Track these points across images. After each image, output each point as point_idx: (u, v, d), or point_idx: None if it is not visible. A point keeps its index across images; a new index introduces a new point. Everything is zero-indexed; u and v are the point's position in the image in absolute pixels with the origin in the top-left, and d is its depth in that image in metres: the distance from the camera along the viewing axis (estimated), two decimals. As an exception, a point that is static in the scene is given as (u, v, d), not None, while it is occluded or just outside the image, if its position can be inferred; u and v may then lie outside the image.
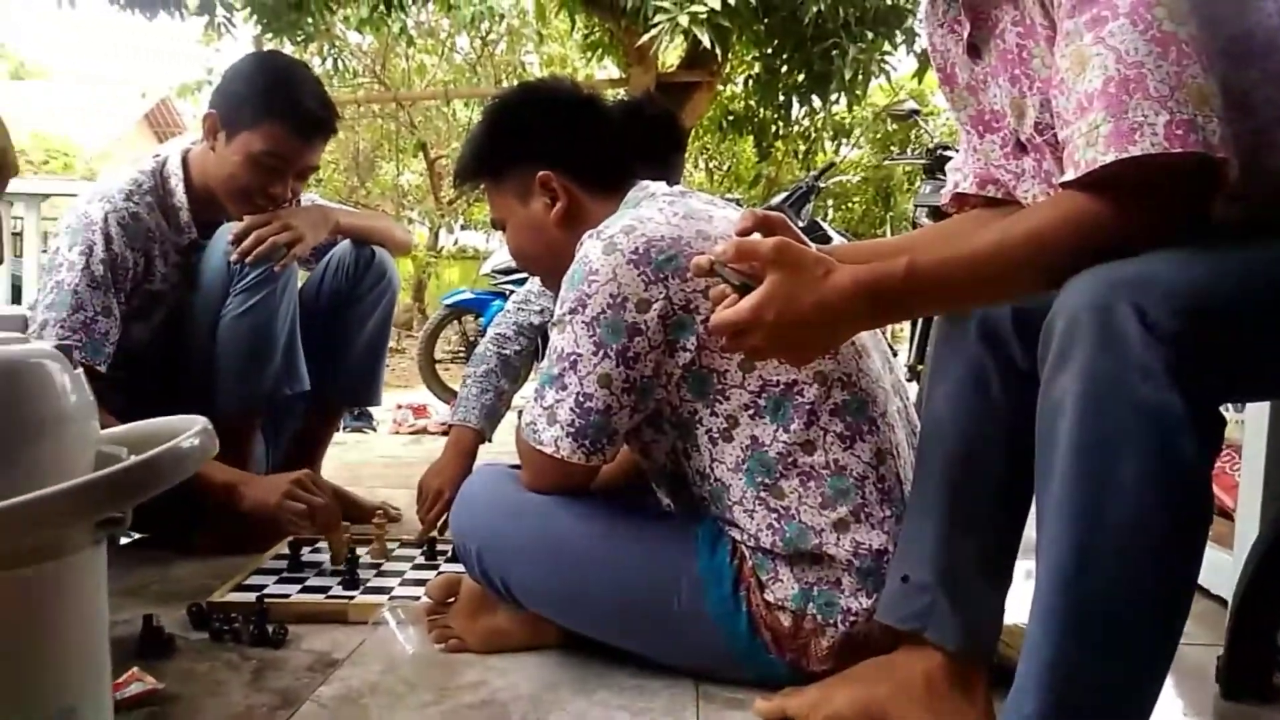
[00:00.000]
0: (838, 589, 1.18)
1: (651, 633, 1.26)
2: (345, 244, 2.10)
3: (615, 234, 1.20)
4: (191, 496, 1.80)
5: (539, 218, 1.37)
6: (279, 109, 1.80)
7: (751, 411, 1.19)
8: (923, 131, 4.34)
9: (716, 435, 1.21)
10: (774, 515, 1.18)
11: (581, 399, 1.19)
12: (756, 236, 0.98)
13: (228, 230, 1.85)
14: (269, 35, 6.03)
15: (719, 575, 1.21)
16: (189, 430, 0.72)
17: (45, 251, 1.81)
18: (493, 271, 5.02)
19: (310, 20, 5.98)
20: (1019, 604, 0.97)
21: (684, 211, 1.27)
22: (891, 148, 10.28)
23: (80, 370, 0.72)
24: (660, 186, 1.37)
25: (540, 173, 1.35)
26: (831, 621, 1.17)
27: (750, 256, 0.92)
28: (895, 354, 4.03)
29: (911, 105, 4.49)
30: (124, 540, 1.86)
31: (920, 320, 3.31)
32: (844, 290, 0.90)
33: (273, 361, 1.89)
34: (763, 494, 1.19)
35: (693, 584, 1.21)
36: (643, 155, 1.99)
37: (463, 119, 10.19)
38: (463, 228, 12.72)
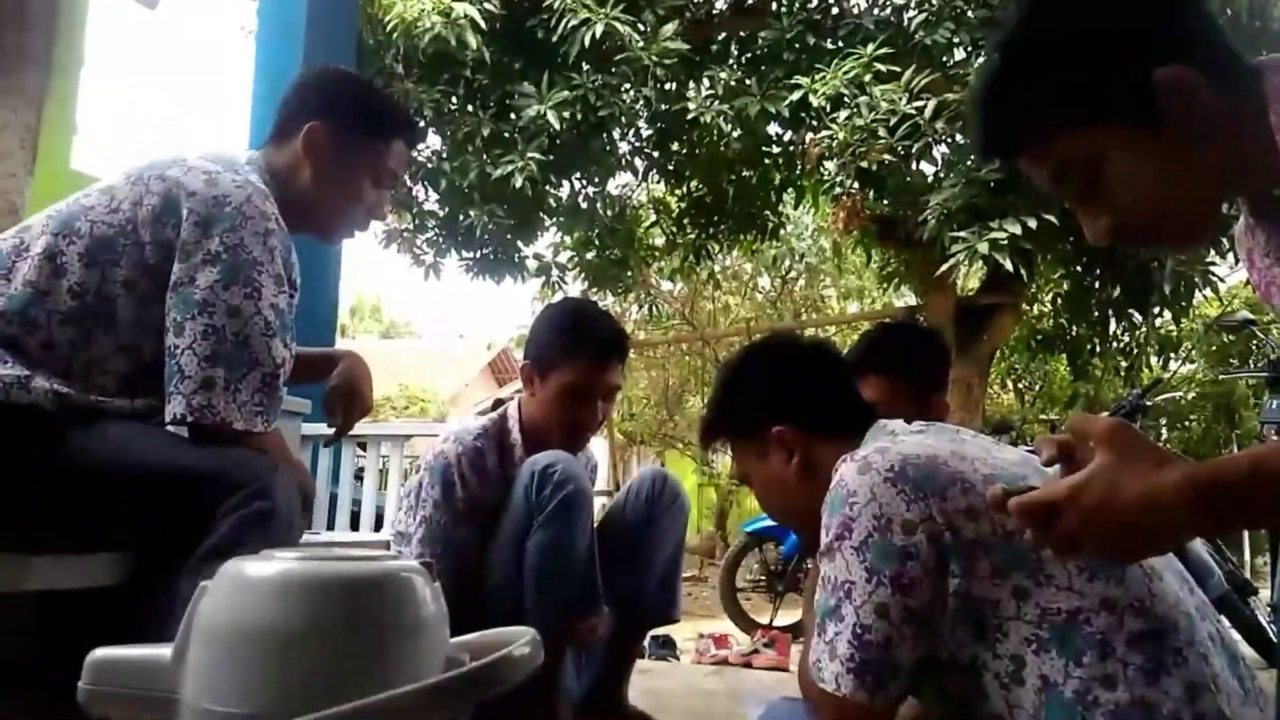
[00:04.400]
0: None
1: None
2: (642, 473, 2.30)
3: (869, 454, 1.18)
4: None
5: (778, 473, 1.39)
6: (578, 346, 2.07)
7: (1034, 646, 1.08)
8: (1264, 342, 3.95)
9: (1007, 680, 1.10)
10: None
11: (859, 630, 1.13)
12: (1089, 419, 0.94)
13: (531, 463, 2.04)
14: (594, 289, 6.80)
15: None
16: (520, 640, 0.81)
17: (403, 485, 2.15)
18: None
19: (630, 274, 6.71)
20: None
21: (933, 431, 1.26)
22: (1230, 360, 9.32)
23: (439, 583, 0.84)
24: (899, 424, 1.35)
25: (773, 429, 1.37)
26: None
27: (1084, 432, 0.89)
28: (1253, 591, 3.51)
29: (1245, 315, 4.12)
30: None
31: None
32: (1175, 486, 0.84)
33: (571, 586, 2.01)
34: None
35: None
36: (909, 375, 2.06)
37: (764, 352, 10.63)
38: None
